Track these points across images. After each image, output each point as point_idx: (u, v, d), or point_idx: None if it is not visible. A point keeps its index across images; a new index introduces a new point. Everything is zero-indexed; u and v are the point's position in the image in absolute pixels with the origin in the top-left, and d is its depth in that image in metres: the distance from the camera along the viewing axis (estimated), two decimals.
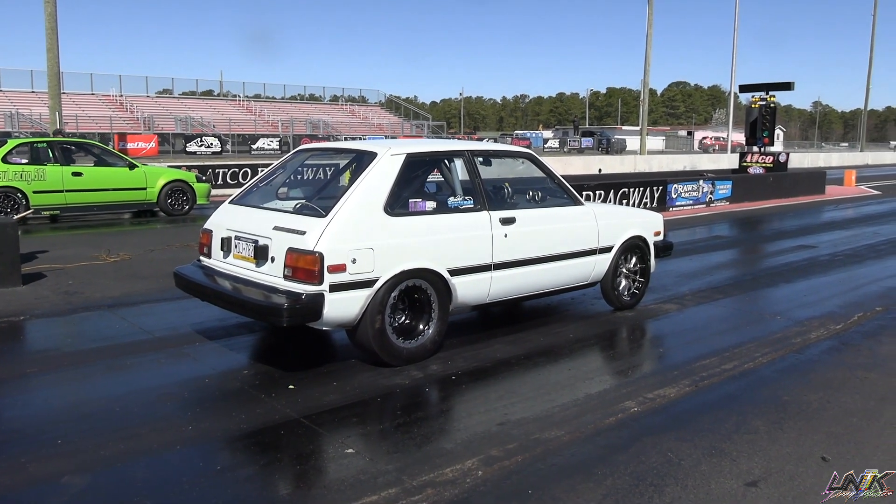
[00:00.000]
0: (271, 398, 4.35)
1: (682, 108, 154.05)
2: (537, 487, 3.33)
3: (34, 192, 12.00)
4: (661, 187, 15.23)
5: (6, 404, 4.37)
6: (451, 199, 5.31)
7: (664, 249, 6.93)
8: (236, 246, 5.03)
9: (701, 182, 16.53)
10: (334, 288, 4.46)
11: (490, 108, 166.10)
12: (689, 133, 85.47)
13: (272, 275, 4.67)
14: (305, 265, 4.45)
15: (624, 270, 6.55)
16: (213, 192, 15.48)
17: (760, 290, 7.84)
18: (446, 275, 4.96)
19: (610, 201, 13.55)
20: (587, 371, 5.10)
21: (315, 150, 6.31)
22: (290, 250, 4.53)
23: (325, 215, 4.58)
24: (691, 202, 16.09)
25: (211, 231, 5.32)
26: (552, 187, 6.09)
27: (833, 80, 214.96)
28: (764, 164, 20.67)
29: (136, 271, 8.16)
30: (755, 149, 21.06)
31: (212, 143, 41.60)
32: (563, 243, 5.84)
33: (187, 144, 40.73)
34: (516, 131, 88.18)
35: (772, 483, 3.41)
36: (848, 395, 4.60)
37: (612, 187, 14.05)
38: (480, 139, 54.61)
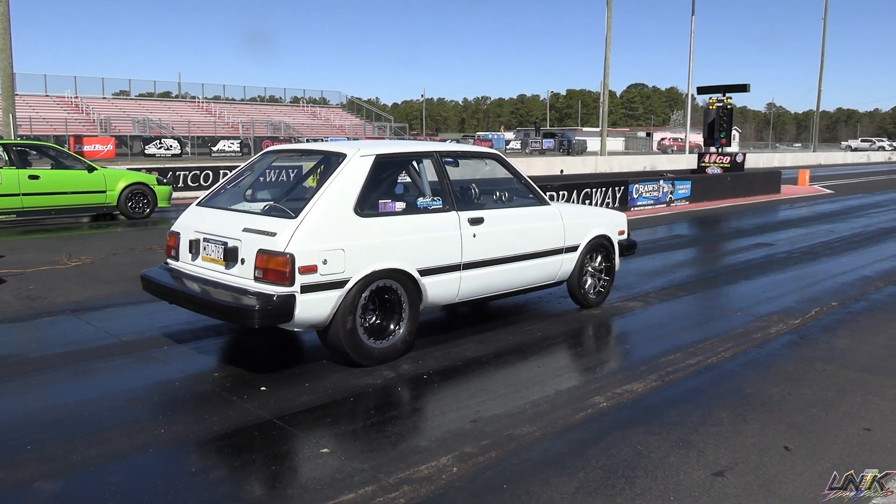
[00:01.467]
0: (243, 400, 4.34)
1: (641, 109, 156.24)
2: (512, 482, 3.39)
3: None
4: (622, 187, 15.46)
5: None
6: (421, 199, 5.37)
7: (628, 248, 7.08)
8: (205, 248, 4.99)
9: (661, 182, 16.81)
10: (305, 289, 4.47)
11: (452, 109, 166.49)
12: (648, 134, 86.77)
13: (242, 276, 4.65)
14: (276, 266, 4.44)
15: (590, 269, 6.69)
16: (174, 194, 15.26)
17: (721, 288, 8.02)
18: (416, 275, 5.01)
19: (573, 201, 13.71)
20: (556, 368, 5.18)
21: (282, 152, 6.32)
22: (261, 252, 4.52)
23: (296, 217, 4.58)
24: (652, 202, 16.35)
25: (178, 233, 5.27)
26: (519, 188, 6.17)
27: (786, 81, 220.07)
28: (721, 165, 21.08)
29: (98, 275, 8.03)
30: (713, 149, 21.47)
31: (171, 146, 41.04)
32: (530, 243, 5.92)
33: (146, 147, 40.11)
34: (478, 133, 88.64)
35: (738, 472, 3.51)
36: (808, 387, 4.75)
37: (575, 188, 14.22)
38: (442, 140, 54.67)
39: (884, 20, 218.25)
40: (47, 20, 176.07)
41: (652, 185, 16.48)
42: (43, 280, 7.68)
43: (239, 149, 43.41)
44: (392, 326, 5.04)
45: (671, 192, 16.95)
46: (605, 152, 36.36)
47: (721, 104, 20.83)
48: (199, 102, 54.91)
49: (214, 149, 42.80)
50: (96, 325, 6.01)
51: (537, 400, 4.44)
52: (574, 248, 6.37)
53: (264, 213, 4.93)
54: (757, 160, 41.21)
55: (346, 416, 4.22)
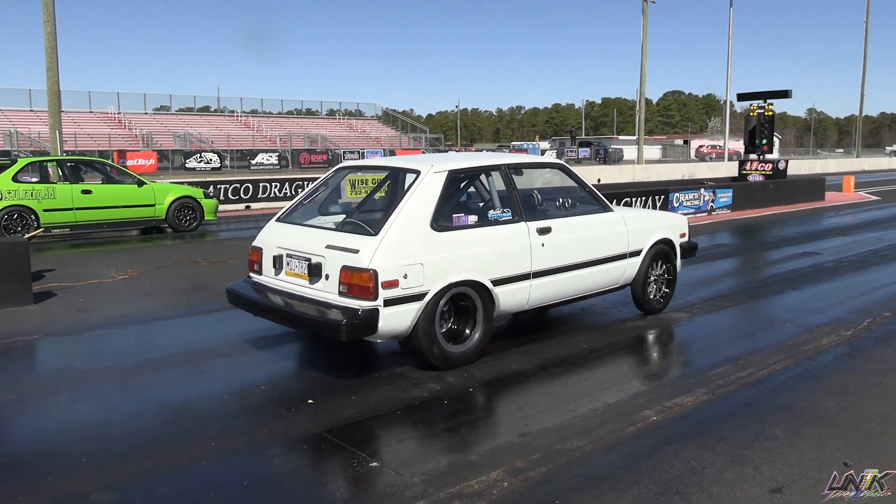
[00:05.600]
0: (291, 413, 4.36)
1: (678, 116, 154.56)
2: (564, 497, 3.35)
3: (44, 211, 12.02)
4: (662, 196, 15.29)
5: (27, 424, 4.38)
6: (491, 211, 5.55)
7: (689, 251, 7.21)
8: (288, 263, 5.27)
9: (702, 190, 16.59)
10: (388, 303, 4.71)
11: (486, 119, 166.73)
12: (686, 142, 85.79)
13: (327, 291, 4.90)
14: (360, 282, 4.69)
15: (653, 274, 6.76)
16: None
17: (768, 298, 7.86)
18: (490, 285, 5.22)
19: None
20: (603, 381, 5.11)
21: (355, 168, 6.56)
22: (345, 268, 4.77)
23: (377, 233, 4.81)
24: (693, 210, 16.14)
25: (261, 249, 5.54)
26: (582, 195, 6.36)
27: (827, 86, 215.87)
28: (763, 172, 20.73)
29: (146, 288, 8.17)
30: (754, 156, 21.13)
31: (211, 159, 41.71)
32: (595, 249, 6.09)
33: (186, 161, 40.82)
34: (513, 142, 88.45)
35: (796, 489, 3.42)
36: (864, 401, 4.62)
37: (615, 197, 14.10)
38: (477, 151, 54.70)
39: None
40: (92, 38, 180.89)
41: (693, 193, 16.28)
42: (92, 293, 7.83)
43: (277, 161, 43.97)
44: (468, 331, 5.24)
45: (712, 201, 16.71)
46: (642, 161, 36.07)
47: (762, 111, 20.50)
48: (237, 116, 55.79)
49: (253, 162, 43.41)
50: (144, 338, 6.10)
51: (585, 413, 4.39)
52: (637, 253, 6.51)
53: (345, 230, 5.16)
54: (798, 167, 40.43)
55: (395, 429, 4.22)
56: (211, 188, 17.58)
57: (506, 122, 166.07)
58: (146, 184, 13.38)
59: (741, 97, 21.49)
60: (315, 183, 6.13)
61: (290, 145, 48.07)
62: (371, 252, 4.70)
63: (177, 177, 28.71)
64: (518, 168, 5.90)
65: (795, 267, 9.69)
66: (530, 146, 69.21)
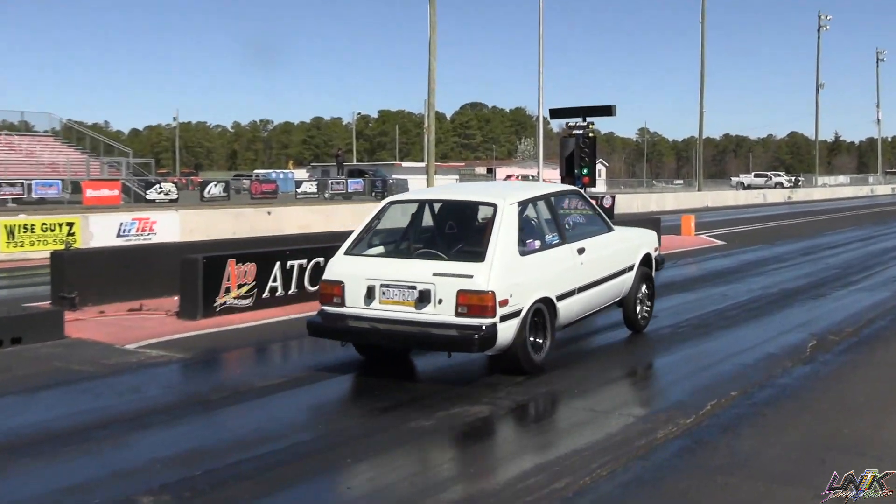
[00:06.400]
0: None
1: (479, 136, 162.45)
2: None
3: None
4: None
5: None
6: (547, 236, 8.69)
7: (660, 263, 10.78)
8: (384, 293, 7.80)
9: None
10: (502, 319, 7.40)
11: (218, 137, 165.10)
12: (490, 170, 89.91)
13: (441, 314, 7.51)
14: (480, 302, 7.35)
15: (641, 289, 10.06)
16: None
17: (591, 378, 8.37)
18: (555, 300, 8.15)
19: None
20: None
21: (404, 202, 9.45)
22: (462, 291, 7.40)
23: (484, 260, 7.50)
24: None
25: (342, 282, 7.99)
26: (590, 214, 10.09)
27: (662, 102, 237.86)
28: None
29: None
30: None
31: None
32: (610, 265, 9.38)
33: None
34: (257, 171, 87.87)
35: None
36: None
37: None
38: (203, 183, 53.75)
39: (770, 31, 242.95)
40: None
41: None
42: None
43: None
44: (541, 341, 8.05)
45: None
46: None
47: (581, 131, 21.84)
48: None
49: None
50: None
51: None
52: (631, 268, 9.83)
53: (450, 258, 7.90)
54: (630, 203, 43.72)
55: None
56: None
57: (246, 143, 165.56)
58: None
59: (554, 114, 22.97)
60: (370, 217, 8.69)
61: None
62: (486, 276, 7.38)
63: None
64: (559, 196, 9.57)
65: (625, 336, 10.40)
66: (281, 175, 69.12)
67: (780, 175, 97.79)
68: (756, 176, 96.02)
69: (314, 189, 55.89)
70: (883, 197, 72.96)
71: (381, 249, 8.53)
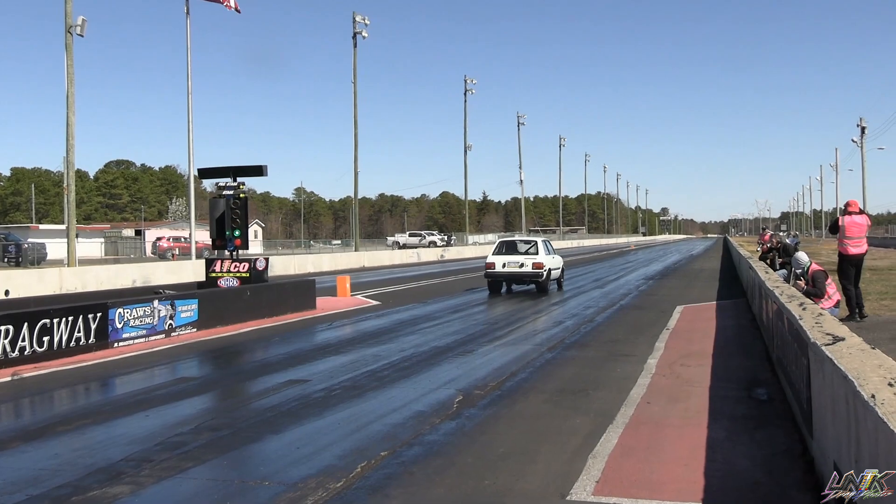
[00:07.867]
0: None
1: (127, 196, 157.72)
2: None
3: None
4: (100, 313, 15.21)
5: None
6: (552, 251, 32.62)
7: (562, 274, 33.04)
8: (505, 265, 28.07)
9: (156, 303, 16.98)
10: (549, 272, 29.45)
11: None
12: (139, 232, 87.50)
13: (528, 268, 27.85)
14: (539, 267, 27.80)
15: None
16: None
17: (243, 448, 8.33)
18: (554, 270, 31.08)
19: (24, 338, 13.07)
20: None
21: (508, 238, 34.21)
22: (534, 263, 27.84)
23: (538, 254, 28.70)
24: (145, 332, 16.38)
25: (494, 262, 28.12)
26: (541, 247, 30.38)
27: (318, 161, 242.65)
28: (238, 274, 22.04)
29: None
30: (227, 253, 22.44)
31: None
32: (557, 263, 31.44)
33: None
34: None
35: None
36: None
37: (25, 319, 13.55)
38: None
39: (422, 93, 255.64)
40: None
41: (144, 307, 16.54)
42: None
43: None
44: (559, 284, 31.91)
45: (171, 317, 17.20)
46: (74, 262, 35.56)
47: (232, 192, 21.89)
48: None
49: None
50: None
51: None
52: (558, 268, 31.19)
53: (525, 254, 28.76)
54: (287, 265, 44.33)
55: None
56: None
57: None
58: None
59: (203, 174, 22.90)
60: (498, 241, 33.43)
61: None
62: (541, 258, 28.12)
63: None
64: (544, 238, 36.03)
65: (278, 402, 10.45)
66: None
67: (433, 234, 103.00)
68: (411, 235, 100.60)
69: None
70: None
71: (501, 252, 29.14)
